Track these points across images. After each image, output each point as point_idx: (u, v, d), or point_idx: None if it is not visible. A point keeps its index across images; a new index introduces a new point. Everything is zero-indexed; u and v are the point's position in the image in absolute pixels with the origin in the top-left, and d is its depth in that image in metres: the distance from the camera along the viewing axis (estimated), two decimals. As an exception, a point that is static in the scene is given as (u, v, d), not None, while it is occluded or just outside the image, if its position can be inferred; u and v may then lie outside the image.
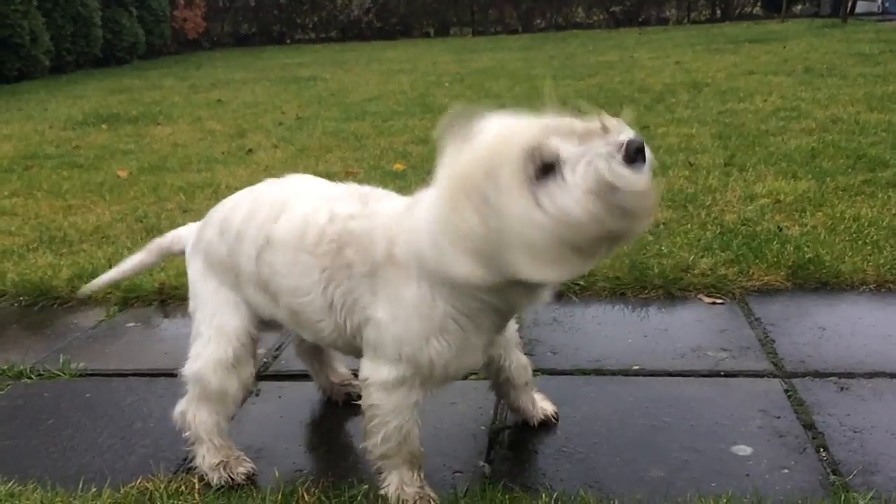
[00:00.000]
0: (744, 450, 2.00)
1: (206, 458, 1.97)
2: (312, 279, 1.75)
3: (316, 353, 2.35)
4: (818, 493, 1.79)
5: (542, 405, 2.18)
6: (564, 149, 1.35)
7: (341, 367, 2.38)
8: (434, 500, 1.81)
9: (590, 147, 1.34)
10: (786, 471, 1.91)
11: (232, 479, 1.95)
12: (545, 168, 1.34)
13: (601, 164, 1.31)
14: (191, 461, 2.07)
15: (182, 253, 2.16)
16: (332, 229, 1.73)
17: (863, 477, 1.86)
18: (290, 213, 1.81)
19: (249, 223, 1.87)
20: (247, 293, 1.91)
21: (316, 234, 1.75)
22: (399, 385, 1.70)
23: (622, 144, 1.32)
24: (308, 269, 1.76)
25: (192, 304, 2.03)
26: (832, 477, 1.86)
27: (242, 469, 1.98)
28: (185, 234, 2.19)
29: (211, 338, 1.94)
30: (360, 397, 1.84)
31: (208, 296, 1.98)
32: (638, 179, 1.32)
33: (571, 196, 1.32)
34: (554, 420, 2.17)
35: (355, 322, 1.73)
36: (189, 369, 1.98)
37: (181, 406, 2.02)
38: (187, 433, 2.00)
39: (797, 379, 2.33)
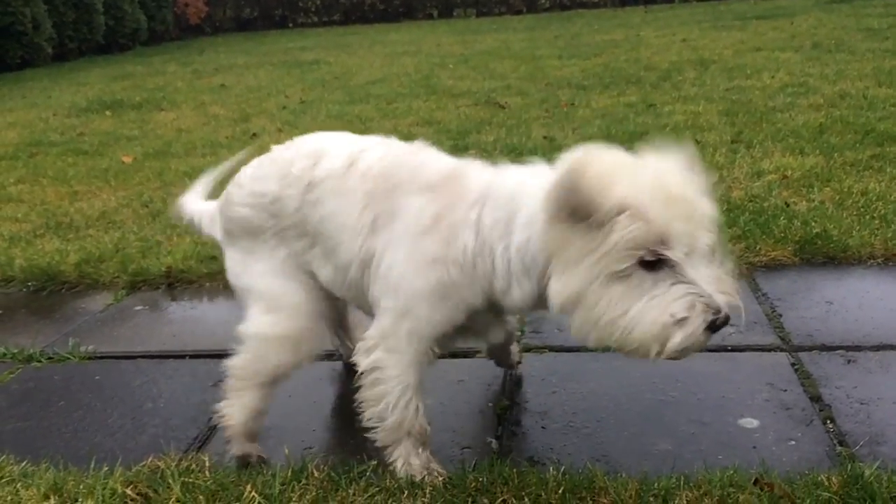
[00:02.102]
0: (751, 422, 2.00)
1: None
2: (354, 199, 1.79)
3: (340, 322, 2.36)
4: (825, 464, 1.80)
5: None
6: (675, 255, 1.42)
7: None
8: (441, 474, 1.83)
9: (695, 283, 1.42)
10: (792, 442, 1.91)
11: None
12: (651, 260, 1.42)
13: (695, 322, 1.41)
14: (202, 441, 2.10)
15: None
16: (384, 161, 1.82)
17: (869, 448, 1.86)
18: (333, 154, 1.88)
19: (292, 169, 1.91)
20: (286, 245, 1.94)
21: (366, 164, 1.82)
22: (394, 338, 1.74)
23: (719, 313, 1.41)
24: (352, 191, 1.81)
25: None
26: (839, 448, 1.86)
27: None
28: (205, 214, 2.24)
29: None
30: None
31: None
32: (705, 342, 1.43)
33: (656, 311, 1.41)
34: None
35: (374, 250, 1.77)
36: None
37: None
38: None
39: (804, 353, 2.32)
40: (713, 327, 1.41)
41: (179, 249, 3.47)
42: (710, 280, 1.43)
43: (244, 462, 1.98)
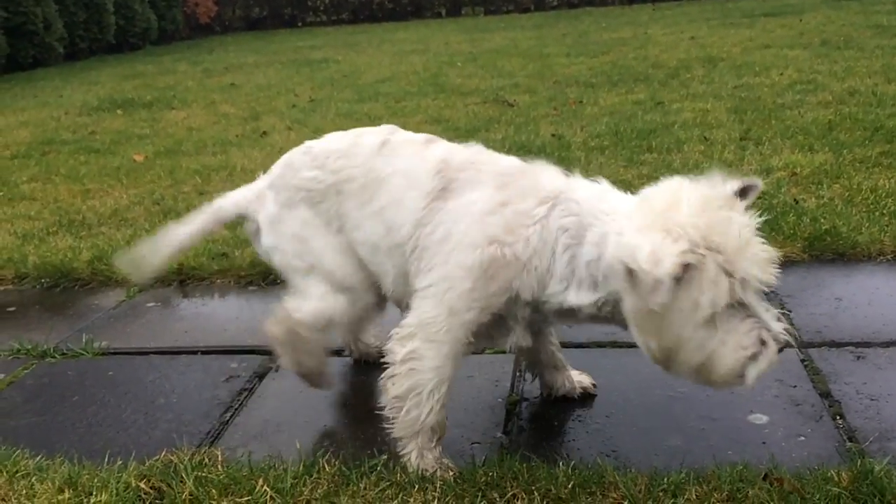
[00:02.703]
0: (760, 418, 2.01)
1: None
2: (428, 164, 1.83)
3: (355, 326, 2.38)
4: (834, 460, 1.80)
5: (579, 379, 2.20)
6: (753, 304, 1.55)
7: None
8: (452, 469, 1.84)
9: (758, 316, 1.55)
10: (802, 438, 1.92)
11: None
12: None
13: (767, 355, 1.55)
14: (214, 435, 2.12)
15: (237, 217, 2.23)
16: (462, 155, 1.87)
17: (879, 444, 1.87)
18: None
19: (364, 138, 1.97)
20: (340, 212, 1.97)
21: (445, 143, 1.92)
22: (434, 325, 1.75)
23: (780, 342, 1.56)
24: (428, 157, 1.85)
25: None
26: (848, 444, 1.87)
27: None
28: (241, 197, 2.22)
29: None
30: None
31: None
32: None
33: (732, 349, 1.54)
34: (593, 390, 2.21)
35: (437, 213, 1.79)
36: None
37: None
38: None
39: (814, 349, 2.33)
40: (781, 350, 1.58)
41: (191, 247, 3.49)
42: (765, 309, 1.57)
43: None
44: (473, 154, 1.88)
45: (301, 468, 1.86)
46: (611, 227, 1.63)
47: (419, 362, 1.78)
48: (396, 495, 1.75)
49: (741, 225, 1.53)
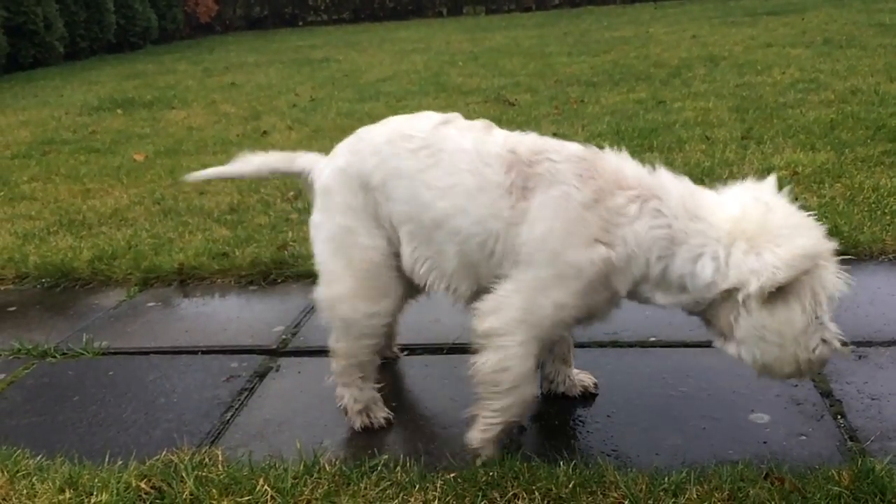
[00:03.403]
0: (761, 417, 2.00)
1: None
2: (496, 159, 1.81)
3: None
4: (835, 459, 1.80)
5: (581, 378, 2.20)
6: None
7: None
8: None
9: (825, 334, 1.72)
10: (803, 437, 1.92)
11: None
12: None
13: (827, 353, 1.72)
14: (215, 435, 2.12)
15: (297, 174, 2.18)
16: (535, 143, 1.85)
17: (880, 443, 1.86)
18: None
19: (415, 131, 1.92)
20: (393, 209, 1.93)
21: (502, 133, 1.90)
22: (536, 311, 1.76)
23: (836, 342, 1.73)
24: (494, 152, 1.82)
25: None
26: (850, 443, 1.87)
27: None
28: (310, 161, 2.17)
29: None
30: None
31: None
32: None
33: (804, 350, 1.69)
34: (594, 389, 2.20)
35: (525, 211, 1.76)
36: None
37: None
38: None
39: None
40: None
41: (191, 246, 3.49)
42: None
43: None
44: (536, 141, 1.86)
45: (301, 468, 1.86)
46: (707, 249, 1.69)
47: (506, 338, 1.79)
48: (397, 495, 1.75)
49: (826, 241, 1.68)
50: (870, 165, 3.93)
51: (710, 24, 11.42)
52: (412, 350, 2.55)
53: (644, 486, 1.70)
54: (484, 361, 1.82)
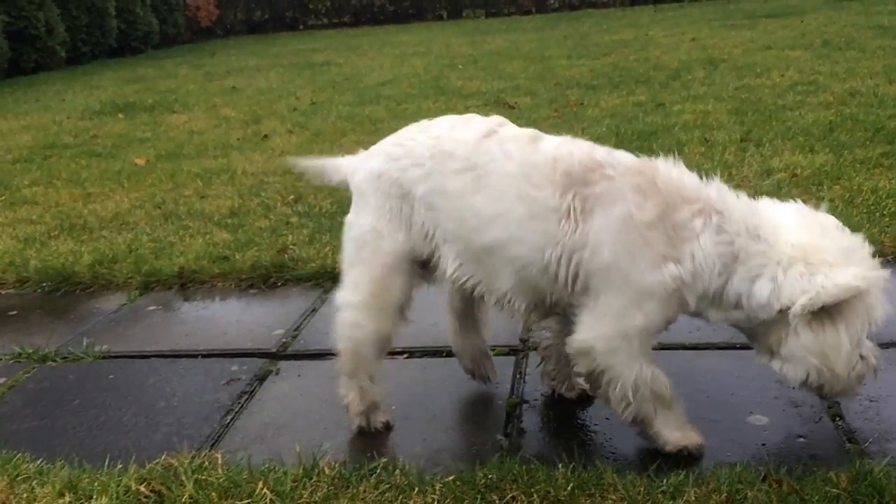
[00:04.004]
0: (760, 420, 2.01)
1: None
2: (545, 178, 1.79)
3: (465, 316, 2.26)
4: (834, 461, 1.80)
5: (578, 380, 2.19)
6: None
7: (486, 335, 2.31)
8: (698, 440, 1.89)
9: (863, 351, 1.78)
10: (802, 439, 1.92)
11: None
12: None
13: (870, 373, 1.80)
14: (215, 438, 2.13)
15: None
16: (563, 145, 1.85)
17: (879, 445, 1.87)
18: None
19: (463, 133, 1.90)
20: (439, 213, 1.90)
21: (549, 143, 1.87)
22: (622, 339, 1.78)
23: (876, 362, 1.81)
24: (541, 167, 1.80)
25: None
26: (848, 445, 1.87)
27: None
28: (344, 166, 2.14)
29: None
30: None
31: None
32: None
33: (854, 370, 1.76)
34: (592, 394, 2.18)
35: (586, 235, 1.75)
36: None
37: None
38: None
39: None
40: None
41: (192, 250, 3.50)
42: None
43: None
44: (588, 153, 1.82)
45: (301, 471, 1.87)
46: (766, 271, 1.72)
47: (611, 371, 1.81)
48: (396, 498, 1.75)
49: (877, 269, 1.73)
50: (868, 167, 3.94)
51: (710, 26, 11.44)
52: (411, 353, 2.55)
53: (642, 489, 1.70)
54: (612, 392, 1.84)
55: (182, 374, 2.52)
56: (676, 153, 4.69)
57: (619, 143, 4.68)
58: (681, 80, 7.07)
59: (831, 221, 1.79)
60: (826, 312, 1.67)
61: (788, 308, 1.68)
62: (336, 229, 3.66)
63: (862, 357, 1.75)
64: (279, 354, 2.61)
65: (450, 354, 2.50)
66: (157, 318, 2.99)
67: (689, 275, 1.73)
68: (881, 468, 1.69)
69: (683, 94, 6.38)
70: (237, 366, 2.53)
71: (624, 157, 1.83)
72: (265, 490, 1.78)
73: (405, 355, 2.54)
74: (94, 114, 7.88)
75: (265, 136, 6.11)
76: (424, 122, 2.02)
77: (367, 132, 5.92)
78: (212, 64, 12.16)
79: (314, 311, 2.93)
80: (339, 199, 4.11)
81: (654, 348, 2.31)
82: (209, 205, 4.24)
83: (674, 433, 1.87)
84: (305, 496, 1.78)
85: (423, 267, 2.02)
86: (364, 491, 1.78)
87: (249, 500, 1.77)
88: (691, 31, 11.05)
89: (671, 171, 1.81)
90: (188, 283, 3.26)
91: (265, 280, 3.22)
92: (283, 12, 19.64)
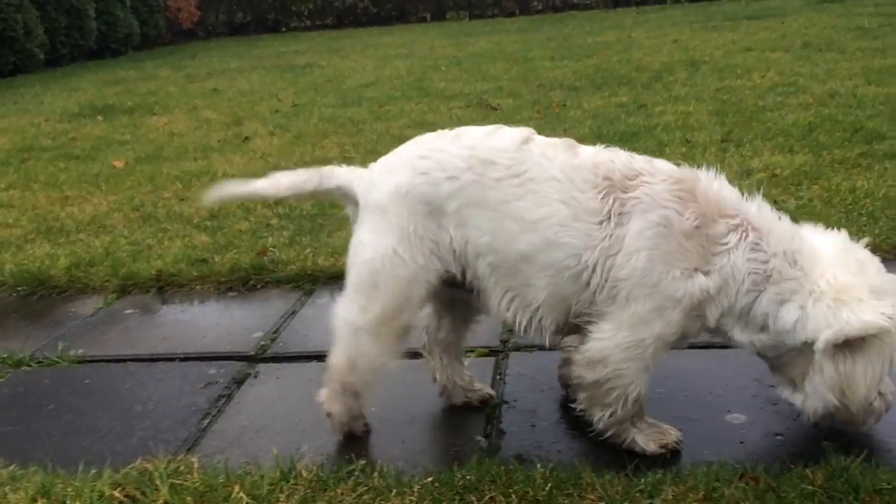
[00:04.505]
0: (738, 418, 2.01)
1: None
2: (586, 180, 1.77)
3: (449, 345, 2.18)
4: (811, 459, 1.80)
5: None
6: None
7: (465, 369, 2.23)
8: (672, 432, 1.90)
9: (882, 387, 1.76)
10: (779, 437, 1.93)
11: None
12: None
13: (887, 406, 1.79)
14: (192, 442, 2.10)
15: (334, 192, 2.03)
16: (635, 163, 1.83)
17: (855, 442, 1.87)
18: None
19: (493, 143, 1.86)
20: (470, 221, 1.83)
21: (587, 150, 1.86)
22: (637, 347, 1.76)
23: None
24: (583, 168, 1.79)
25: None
26: (824, 443, 1.87)
27: None
28: (346, 175, 2.01)
29: None
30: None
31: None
32: None
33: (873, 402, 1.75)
34: None
35: (621, 239, 1.73)
36: None
37: None
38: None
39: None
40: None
41: (170, 253, 3.47)
42: None
43: None
44: (627, 161, 1.81)
45: (278, 474, 1.85)
46: (796, 297, 1.72)
47: (617, 380, 1.79)
48: (374, 500, 1.74)
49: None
50: (847, 167, 3.97)
51: (692, 28, 11.50)
52: (391, 355, 2.54)
53: (620, 488, 1.70)
54: (610, 399, 1.82)
55: (159, 377, 2.49)
56: (658, 154, 4.70)
57: (602, 144, 4.67)
58: (662, 82, 7.11)
59: (870, 259, 1.79)
60: (848, 348, 1.67)
61: (813, 341, 1.68)
62: (316, 231, 3.66)
63: (880, 394, 1.75)
64: (258, 357, 2.59)
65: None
66: (133, 321, 2.96)
67: (715, 288, 1.71)
68: (857, 465, 1.70)
69: (665, 96, 6.40)
70: (215, 369, 2.51)
71: (663, 166, 1.83)
72: (241, 494, 1.77)
73: (385, 357, 2.52)
74: (73, 116, 7.81)
75: (246, 138, 6.08)
76: (444, 133, 1.92)
77: (349, 134, 5.90)
78: (193, 66, 12.09)
79: (294, 313, 2.91)
80: (320, 202, 4.09)
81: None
82: (188, 207, 4.21)
83: (651, 436, 1.88)
84: (282, 499, 1.76)
85: (451, 285, 1.93)
86: (342, 493, 1.77)
87: (225, 504, 1.75)
88: (673, 32, 11.11)
89: (712, 183, 1.80)
90: (166, 287, 3.23)
91: (244, 283, 3.19)
92: (266, 14, 19.56)
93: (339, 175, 2.01)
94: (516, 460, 1.90)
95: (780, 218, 1.80)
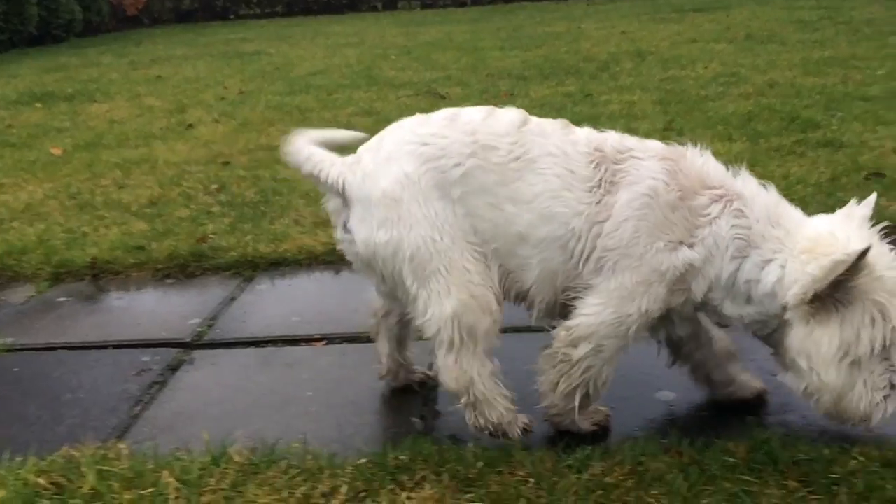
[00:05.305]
0: (667, 395, 2.06)
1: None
2: (581, 156, 1.78)
3: (399, 329, 2.17)
4: (735, 433, 1.85)
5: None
6: (893, 351, 1.65)
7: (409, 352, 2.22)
8: (602, 409, 1.93)
9: (892, 360, 1.66)
10: (706, 413, 1.98)
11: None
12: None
13: (889, 406, 1.67)
14: (122, 429, 2.07)
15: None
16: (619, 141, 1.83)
17: (778, 416, 1.94)
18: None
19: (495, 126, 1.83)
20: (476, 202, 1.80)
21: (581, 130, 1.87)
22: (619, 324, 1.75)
23: None
24: (578, 144, 1.80)
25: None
26: (748, 417, 1.93)
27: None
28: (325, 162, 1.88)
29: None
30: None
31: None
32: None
33: (870, 392, 1.65)
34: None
35: (610, 208, 1.73)
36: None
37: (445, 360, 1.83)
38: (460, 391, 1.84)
39: (722, 329, 2.38)
40: None
41: (106, 240, 3.39)
42: None
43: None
44: (619, 139, 1.84)
45: (209, 459, 1.83)
46: (778, 256, 1.69)
47: (596, 357, 1.78)
48: (305, 482, 1.73)
49: (886, 254, 1.64)
50: (782, 154, 4.07)
51: (640, 20, 11.65)
52: (330, 340, 2.53)
53: (550, 464, 1.72)
54: (580, 378, 1.81)
55: (90, 365, 2.44)
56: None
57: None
58: (609, 72, 7.18)
59: (863, 224, 1.71)
60: (824, 308, 1.62)
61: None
62: (258, 218, 3.62)
63: (893, 386, 1.64)
64: (193, 344, 2.55)
65: (367, 341, 2.48)
66: (66, 309, 2.89)
67: (700, 260, 1.71)
68: (777, 438, 1.75)
69: (611, 85, 6.48)
70: (149, 356, 2.46)
71: (653, 144, 1.85)
72: (170, 479, 1.74)
73: (324, 342, 2.52)
74: (10, 103, 7.55)
75: (190, 125, 5.96)
76: (431, 117, 1.87)
77: (296, 121, 5.83)
78: (137, 53, 11.80)
79: (233, 299, 2.87)
80: (263, 189, 4.05)
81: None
82: (127, 195, 4.11)
83: (586, 415, 1.91)
84: (212, 484, 1.74)
85: None
86: (273, 476, 1.75)
87: (154, 490, 1.72)
88: (622, 24, 11.23)
89: (697, 158, 1.81)
90: (101, 274, 3.16)
91: (183, 270, 3.14)
92: (214, 1, 19.19)
93: (316, 162, 1.88)
94: (450, 440, 1.91)
95: (765, 188, 1.80)
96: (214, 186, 4.15)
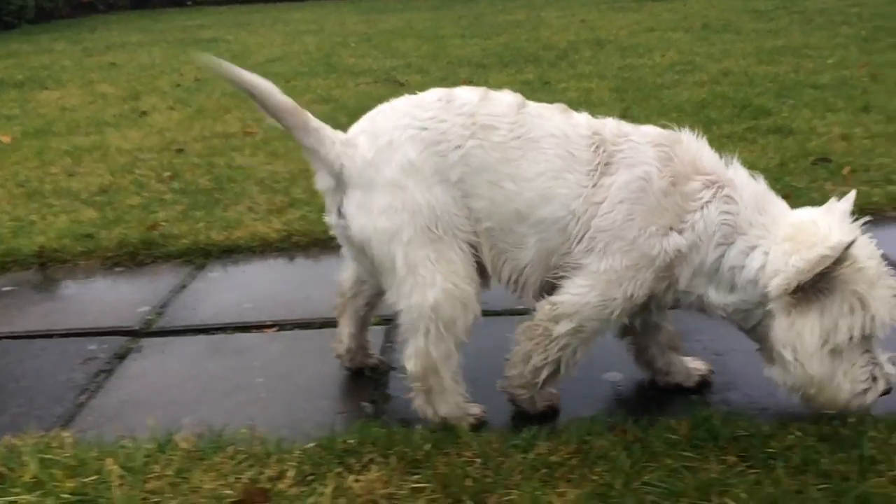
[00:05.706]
0: (615, 376, 2.09)
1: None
2: (581, 139, 1.78)
3: (363, 312, 2.16)
4: (679, 412, 1.89)
5: (694, 366, 2.09)
6: (874, 342, 1.69)
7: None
8: (555, 393, 1.94)
9: (874, 352, 1.71)
10: (652, 393, 2.01)
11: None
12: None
13: (875, 393, 1.71)
14: (67, 418, 2.03)
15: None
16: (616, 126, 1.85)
17: (721, 395, 1.98)
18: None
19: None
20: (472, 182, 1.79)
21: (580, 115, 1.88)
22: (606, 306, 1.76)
23: (889, 386, 1.72)
24: (578, 127, 1.80)
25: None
26: (693, 396, 1.96)
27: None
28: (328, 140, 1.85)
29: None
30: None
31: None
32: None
33: (850, 382, 1.68)
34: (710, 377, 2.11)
35: (606, 189, 1.74)
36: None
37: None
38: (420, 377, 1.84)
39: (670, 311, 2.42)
40: (884, 394, 1.72)
41: (54, 229, 3.32)
42: (881, 350, 1.71)
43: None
44: (617, 124, 1.86)
45: (154, 446, 1.81)
46: (762, 243, 1.71)
47: (574, 336, 1.78)
48: (252, 467, 1.72)
49: (875, 260, 1.66)
50: (734, 141, 4.13)
51: (599, 9, 11.72)
52: (282, 326, 2.52)
53: (497, 445, 1.74)
54: (554, 357, 1.82)
55: (36, 354, 2.39)
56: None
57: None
58: (568, 60, 7.22)
59: (845, 216, 1.74)
60: (805, 297, 1.64)
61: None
62: (211, 205, 3.57)
63: (874, 378, 1.68)
64: (142, 332, 2.52)
65: (320, 326, 2.49)
66: (11, 298, 2.83)
67: (687, 246, 1.73)
68: (719, 415, 1.79)
69: (570, 73, 6.51)
70: (96, 345, 2.42)
71: (650, 130, 1.87)
72: (114, 466, 1.72)
73: (275, 328, 2.50)
74: (-43, 90, 7.34)
75: (143, 112, 5.85)
76: (424, 98, 1.87)
77: (252, 108, 5.72)
78: (91, 39, 11.54)
79: (184, 287, 2.84)
80: (217, 176, 4.00)
81: (524, 313, 2.36)
82: (77, 183, 4.03)
83: (541, 396, 1.93)
84: (158, 470, 1.72)
85: None
86: (220, 462, 1.74)
87: (98, 477, 1.70)
88: (581, 12, 11.29)
89: (691, 144, 1.83)
90: (49, 263, 3.09)
91: (133, 258, 3.09)
92: (172, -13, 18.80)
93: (322, 138, 1.84)
94: (400, 424, 1.91)
95: (754, 177, 1.82)
96: (167, 174, 4.08)
